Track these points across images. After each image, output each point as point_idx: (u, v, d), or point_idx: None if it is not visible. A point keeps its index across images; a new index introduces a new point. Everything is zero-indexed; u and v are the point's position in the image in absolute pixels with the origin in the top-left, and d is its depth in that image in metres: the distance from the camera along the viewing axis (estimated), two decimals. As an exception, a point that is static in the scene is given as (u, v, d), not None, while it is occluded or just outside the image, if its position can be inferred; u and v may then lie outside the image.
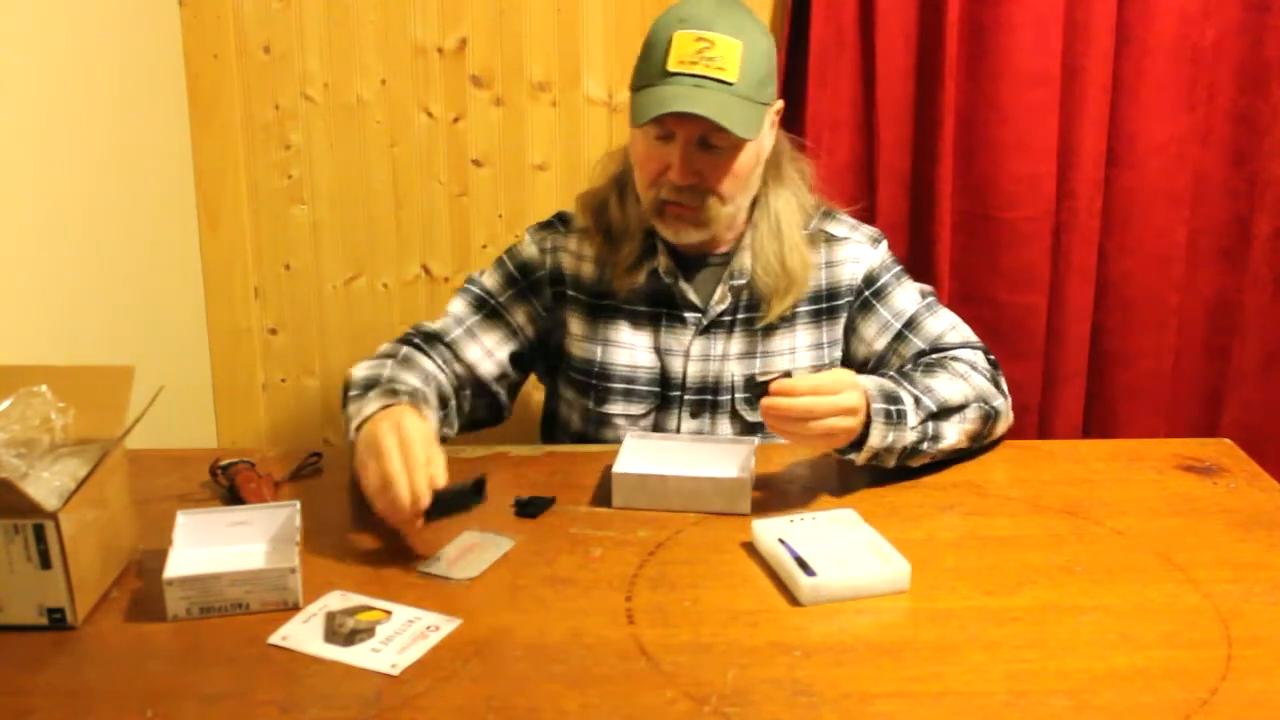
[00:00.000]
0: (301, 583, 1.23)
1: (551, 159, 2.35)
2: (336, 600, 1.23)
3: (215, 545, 1.30)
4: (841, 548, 1.32)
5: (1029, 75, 2.19)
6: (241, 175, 2.35)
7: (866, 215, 2.22)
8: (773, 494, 1.48)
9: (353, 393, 1.50)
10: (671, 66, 1.49)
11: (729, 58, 1.48)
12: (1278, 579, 1.28)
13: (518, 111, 2.33)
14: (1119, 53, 2.21)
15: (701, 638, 1.17)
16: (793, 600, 1.24)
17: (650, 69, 1.52)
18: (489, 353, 1.67)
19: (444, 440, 1.45)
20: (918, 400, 1.48)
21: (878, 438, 1.44)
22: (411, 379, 1.53)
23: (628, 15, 2.26)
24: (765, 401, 1.40)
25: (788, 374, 1.40)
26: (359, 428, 1.39)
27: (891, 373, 1.57)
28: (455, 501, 1.32)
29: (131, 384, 1.31)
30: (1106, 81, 2.21)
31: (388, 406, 1.40)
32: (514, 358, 1.70)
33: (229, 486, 1.47)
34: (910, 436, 1.47)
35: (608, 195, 1.67)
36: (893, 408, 1.45)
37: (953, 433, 1.52)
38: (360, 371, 1.55)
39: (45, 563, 1.17)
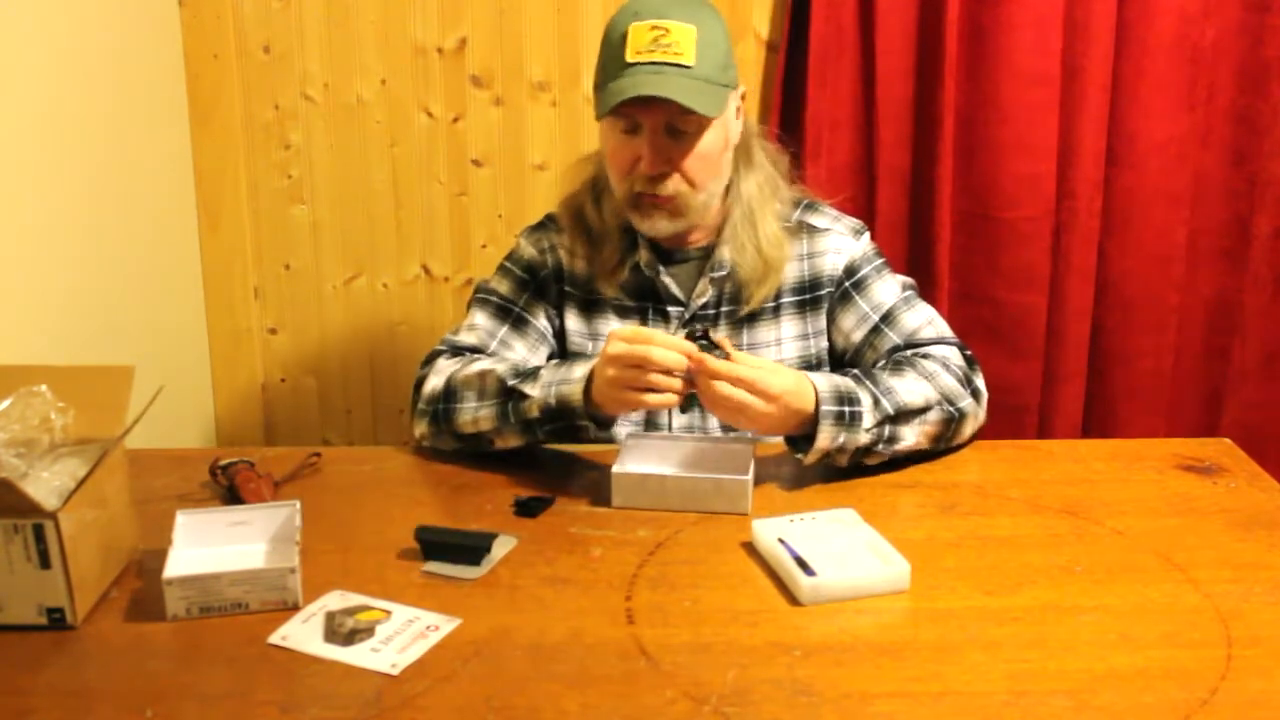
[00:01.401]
0: (301, 582, 1.23)
1: (551, 159, 2.35)
2: (336, 600, 1.23)
3: (215, 545, 1.30)
4: (841, 548, 1.32)
5: (1029, 75, 2.19)
6: (241, 175, 2.35)
7: (866, 215, 2.23)
8: (773, 494, 1.48)
9: (512, 381, 1.52)
10: (629, 58, 1.51)
11: (685, 43, 1.50)
12: (1278, 579, 1.28)
13: (517, 111, 2.33)
14: (1119, 53, 2.21)
15: (701, 638, 1.17)
16: (793, 600, 1.24)
17: (609, 64, 1.54)
18: (525, 361, 1.67)
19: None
20: (876, 401, 1.48)
21: (826, 439, 1.45)
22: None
23: (628, 15, 2.26)
24: (699, 355, 1.42)
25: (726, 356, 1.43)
26: (586, 380, 1.47)
27: (855, 371, 1.56)
28: (460, 551, 1.32)
29: (131, 384, 1.31)
30: (1106, 81, 2.21)
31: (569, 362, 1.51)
32: (547, 361, 1.70)
33: (229, 486, 1.47)
34: (863, 439, 1.47)
35: (584, 199, 1.69)
36: (846, 409, 1.45)
37: (911, 435, 1.52)
38: (489, 365, 1.57)
39: (45, 563, 1.17)
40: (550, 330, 1.71)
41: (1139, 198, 2.27)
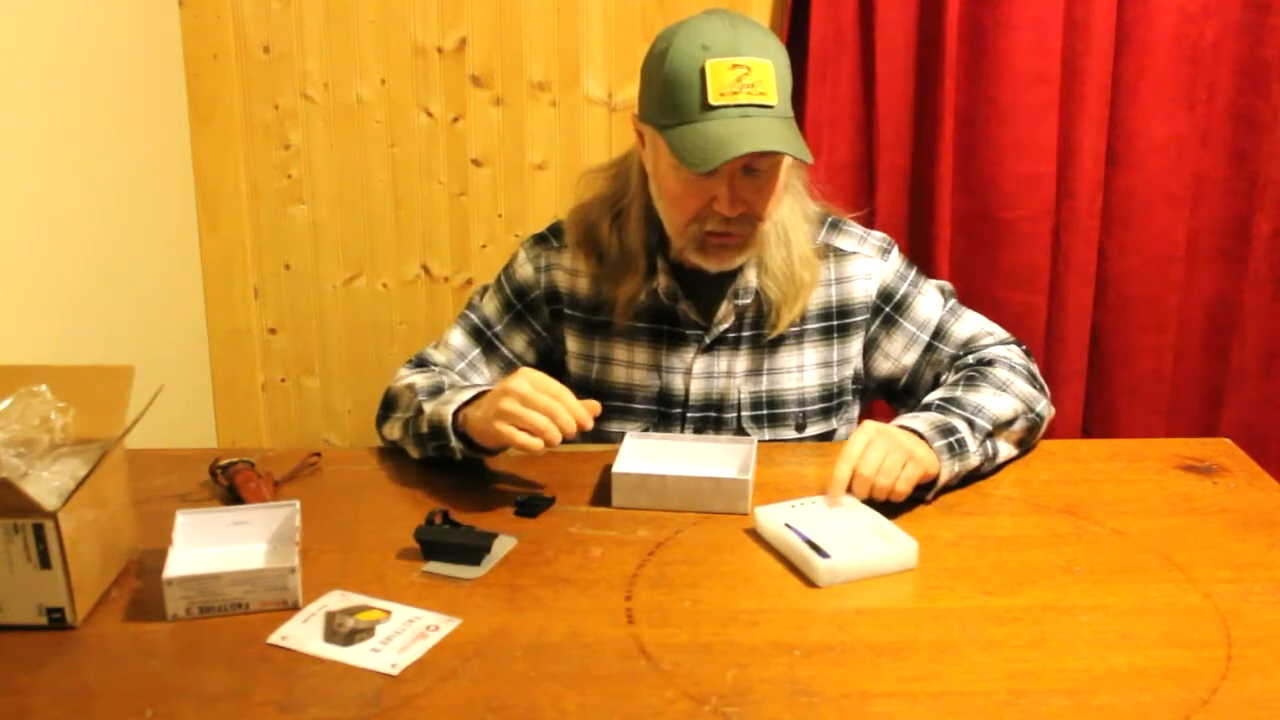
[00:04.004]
0: (301, 582, 1.23)
1: (551, 159, 2.35)
2: (336, 600, 1.23)
3: (215, 545, 1.30)
4: (847, 530, 1.33)
5: (1029, 75, 2.19)
6: (241, 175, 2.35)
7: (866, 216, 2.22)
8: (773, 494, 1.47)
9: (421, 397, 1.52)
10: (713, 99, 1.43)
11: (766, 81, 1.44)
12: (1278, 579, 1.28)
13: (517, 111, 2.33)
14: (1119, 52, 2.21)
15: (701, 637, 1.17)
16: (808, 583, 1.25)
17: (685, 104, 1.44)
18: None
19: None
20: (971, 424, 1.47)
21: (946, 473, 1.44)
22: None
23: (628, 15, 2.26)
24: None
25: None
26: (460, 409, 1.46)
27: (936, 400, 1.52)
28: (460, 551, 1.32)
29: (131, 384, 1.31)
30: (1106, 81, 2.21)
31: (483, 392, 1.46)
32: None
33: (229, 486, 1.47)
34: (974, 460, 1.47)
35: (597, 219, 1.63)
36: (952, 439, 1.44)
37: (1005, 447, 1.54)
38: (421, 380, 1.57)
39: (45, 562, 1.17)
40: (529, 357, 1.69)
41: (1139, 197, 2.27)
